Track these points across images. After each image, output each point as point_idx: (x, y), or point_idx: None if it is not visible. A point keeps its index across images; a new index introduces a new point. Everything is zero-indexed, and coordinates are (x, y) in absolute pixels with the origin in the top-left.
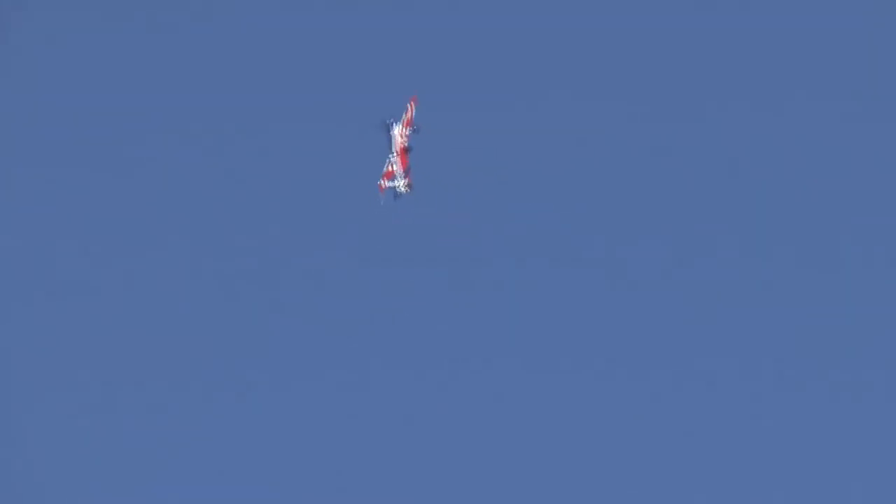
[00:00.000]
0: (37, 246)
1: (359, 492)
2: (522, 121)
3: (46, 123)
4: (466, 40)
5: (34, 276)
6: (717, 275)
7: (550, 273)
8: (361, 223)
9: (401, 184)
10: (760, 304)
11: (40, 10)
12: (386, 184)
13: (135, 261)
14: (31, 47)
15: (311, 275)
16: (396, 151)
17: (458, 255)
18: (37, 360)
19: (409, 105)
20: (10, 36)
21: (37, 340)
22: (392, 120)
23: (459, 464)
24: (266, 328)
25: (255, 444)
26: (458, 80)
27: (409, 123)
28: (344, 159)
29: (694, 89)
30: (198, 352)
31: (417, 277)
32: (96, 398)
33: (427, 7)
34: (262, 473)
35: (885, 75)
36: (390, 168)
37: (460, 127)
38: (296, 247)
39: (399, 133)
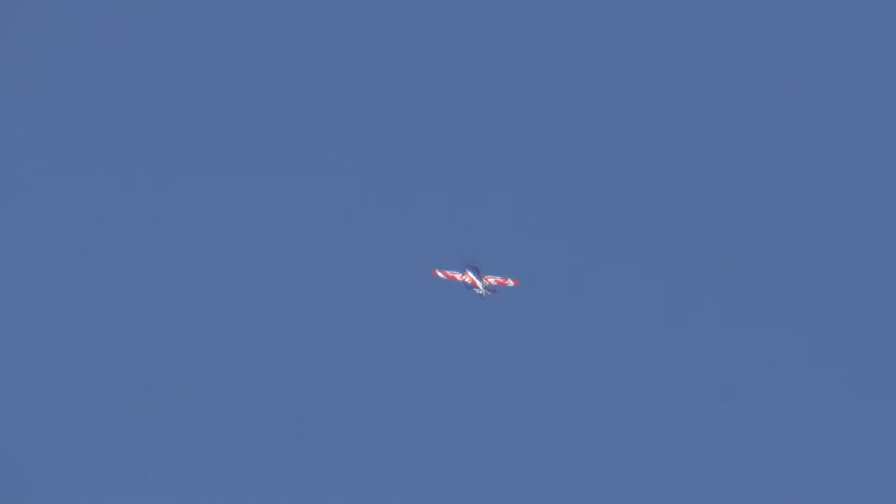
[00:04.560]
0: (36, 245)
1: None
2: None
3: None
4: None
5: (33, 277)
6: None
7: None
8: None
9: (482, 289)
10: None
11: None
12: (440, 275)
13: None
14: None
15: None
16: (472, 283)
17: None
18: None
19: (506, 280)
20: (9, 36)
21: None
22: (476, 266)
23: None
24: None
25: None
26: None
27: (492, 286)
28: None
29: None
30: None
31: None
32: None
33: None
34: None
35: None
36: (456, 276)
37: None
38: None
39: (478, 282)
